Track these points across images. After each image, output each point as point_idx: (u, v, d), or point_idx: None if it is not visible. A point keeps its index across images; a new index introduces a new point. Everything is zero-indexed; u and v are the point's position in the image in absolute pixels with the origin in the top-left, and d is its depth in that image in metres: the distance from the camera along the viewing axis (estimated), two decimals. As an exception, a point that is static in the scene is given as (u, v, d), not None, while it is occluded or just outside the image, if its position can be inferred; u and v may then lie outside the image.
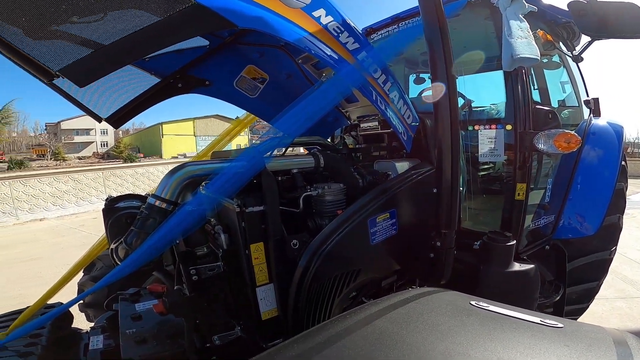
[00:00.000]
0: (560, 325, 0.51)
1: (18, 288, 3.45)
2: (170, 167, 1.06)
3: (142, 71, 1.33)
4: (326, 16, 0.91)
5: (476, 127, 1.59)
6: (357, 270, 1.05)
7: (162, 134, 32.06)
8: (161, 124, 32.60)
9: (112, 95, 1.36)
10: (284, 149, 1.36)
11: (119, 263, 0.85)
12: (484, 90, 2.04)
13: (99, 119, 1.38)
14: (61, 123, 44.32)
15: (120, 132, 47.68)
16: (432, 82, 1.13)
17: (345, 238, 1.01)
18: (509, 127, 1.48)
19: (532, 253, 1.73)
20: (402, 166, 1.36)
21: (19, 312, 1.27)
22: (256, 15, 0.79)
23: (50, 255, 4.91)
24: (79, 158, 35.69)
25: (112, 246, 0.86)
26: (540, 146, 1.31)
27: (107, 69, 0.70)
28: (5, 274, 3.97)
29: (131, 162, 16.38)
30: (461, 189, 1.54)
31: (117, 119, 1.42)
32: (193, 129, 34.12)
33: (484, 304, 0.58)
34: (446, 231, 1.20)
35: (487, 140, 1.57)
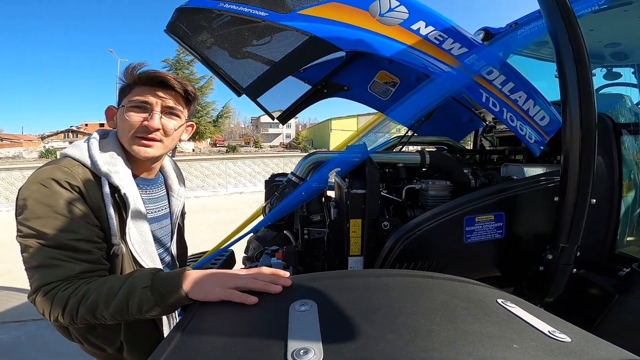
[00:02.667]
0: (568, 339, 0.50)
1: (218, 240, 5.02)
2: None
3: (299, 80, 1.76)
4: (426, 27, 1.01)
5: (651, 131, 1.28)
6: (444, 264, 1.13)
7: (331, 129, 36.08)
8: (330, 119, 36.63)
9: (283, 100, 1.87)
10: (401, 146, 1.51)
11: (265, 216, 1.27)
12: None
13: (272, 117, 1.93)
14: (261, 117, 56.36)
15: (300, 126, 56.41)
16: (559, 81, 1.04)
17: (435, 229, 1.10)
18: None
19: None
20: (531, 171, 1.28)
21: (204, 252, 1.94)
22: (357, 38, 1.00)
23: (242, 219, 6.65)
24: (270, 146, 44.45)
25: (264, 205, 1.29)
26: None
27: (268, 86, 1.10)
28: (212, 231, 5.73)
29: (306, 151, 19.39)
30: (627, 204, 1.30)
31: (283, 118, 1.94)
32: (357, 124, 36.77)
33: (510, 303, 0.62)
34: (564, 245, 1.09)
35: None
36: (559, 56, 1.02)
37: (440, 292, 0.62)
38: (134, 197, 0.94)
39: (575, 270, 1.14)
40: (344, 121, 36.58)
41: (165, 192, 1.17)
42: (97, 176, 0.89)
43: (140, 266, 0.94)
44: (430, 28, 1.05)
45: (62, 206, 0.81)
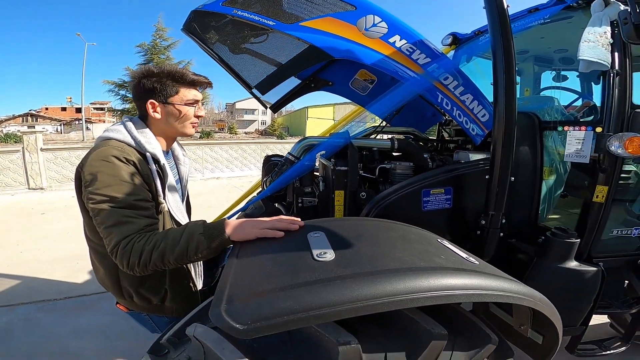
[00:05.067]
0: (476, 262, 0.82)
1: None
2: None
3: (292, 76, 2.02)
4: (400, 40, 1.29)
5: (565, 128, 1.67)
6: (407, 227, 1.47)
7: (307, 117, 36.16)
8: (307, 107, 36.66)
9: (276, 92, 2.12)
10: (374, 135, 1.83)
11: (265, 189, 1.55)
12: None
13: (265, 107, 2.17)
14: (236, 103, 55.14)
15: (275, 113, 55.80)
16: (493, 87, 1.38)
17: (401, 199, 1.43)
18: (599, 129, 1.52)
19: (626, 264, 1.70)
20: (475, 156, 1.64)
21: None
22: (346, 49, 1.28)
23: (220, 204, 6.76)
24: (245, 133, 43.80)
25: (264, 179, 1.57)
26: (612, 148, 1.36)
27: (275, 84, 1.38)
28: (193, 214, 5.85)
29: (281, 139, 19.47)
30: (548, 187, 1.68)
31: (275, 107, 2.19)
32: (333, 113, 37.08)
33: (445, 241, 0.95)
34: (493, 212, 1.45)
35: (575, 142, 1.64)
36: (495, 65, 1.35)
37: (400, 230, 0.94)
38: (169, 167, 1.20)
39: (508, 238, 1.50)
40: (320, 109, 36.70)
41: (174, 163, 1.40)
42: (140, 152, 1.13)
43: (176, 221, 1.21)
44: (404, 41, 1.33)
45: (124, 175, 1.03)
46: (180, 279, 1.26)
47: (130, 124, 1.17)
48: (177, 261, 0.97)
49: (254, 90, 1.80)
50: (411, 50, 1.36)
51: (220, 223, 0.98)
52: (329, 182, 1.47)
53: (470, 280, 0.68)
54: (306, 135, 2.02)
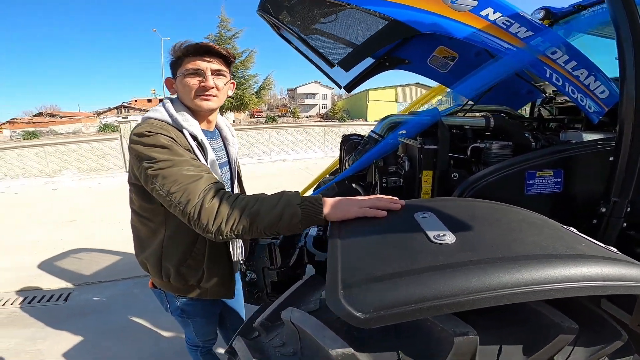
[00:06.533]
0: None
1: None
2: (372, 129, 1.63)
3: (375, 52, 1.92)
4: (494, 13, 1.14)
5: None
6: (506, 211, 1.32)
7: (368, 100, 35.29)
8: (367, 90, 35.72)
9: (350, 72, 2.05)
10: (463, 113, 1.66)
11: (346, 168, 1.52)
12: None
13: (339, 87, 2.12)
14: (297, 89, 56.15)
15: (336, 97, 55.62)
16: (619, 62, 1.15)
17: (500, 180, 1.28)
18: None
19: None
20: (589, 137, 1.41)
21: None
22: (433, 22, 1.16)
23: (287, 186, 7.01)
24: (307, 117, 44.52)
25: (346, 159, 1.53)
26: None
27: (358, 61, 1.31)
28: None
29: (343, 122, 19.36)
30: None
31: (349, 87, 2.13)
32: (395, 95, 35.62)
33: (572, 229, 0.81)
34: (616, 199, 1.23)
35: None
36: (619, 40, 1.13)
37: (518, 213, 0.84)
38: (209, 145, 1.18)
39: (627, 230, 1.27)
40: (382, 92, 35.53)
41: (222, 144, 1.37)
42: (178, 130, 1.12)
43: None
44: (498, 14, 1.17)
45: (170, 144, 1.03)
46: (219, 260, 1.25)
47: (169, 104, 1.17)
48: (265, 229, 0.90)
49: (333, 69, 1.75)
50: (508, 24, 1.19)
51: (317, 198, 0.91)
52: (415, 161, 1.37)
53: (629, 270, 0.57)
54: (367, 119, 1.93)
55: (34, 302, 3.03)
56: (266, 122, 23.69)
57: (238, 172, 1.49)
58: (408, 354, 0.58)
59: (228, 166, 1.38)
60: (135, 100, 54.01)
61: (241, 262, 1.44)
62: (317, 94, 55.27)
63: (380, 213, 0.84)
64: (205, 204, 0.92)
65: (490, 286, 0.52)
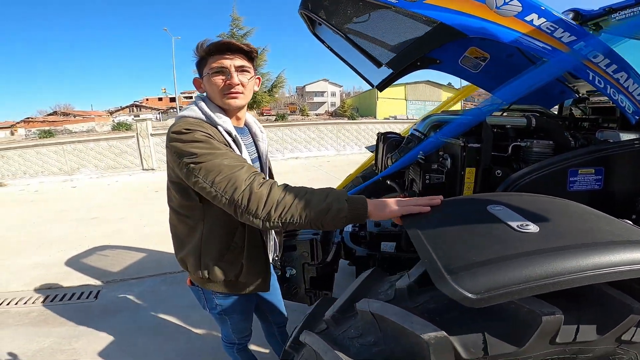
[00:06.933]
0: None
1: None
2: (383, 127, 1.68)
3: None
4: (539, 19, 1.19)
5: None
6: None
7: (377, 97, 35.14)
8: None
9: (381, 71, 2.10)
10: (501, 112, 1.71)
11: (387, 167, 1.58)
12: None
13: (372, 86, 2.17)
14: (306, 86, 56.16)
15: (344, 94, 55.55)
16: None
17: (543, 177, 1.33)
18: None
19: None
20: (626, 136, 1.45)
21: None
22: (480, 26, 1.20)
23: (301, 183, 7.05)
24: (316, 115, 44.55)
25: (387, 156, 1.59)
26: None
27: (405, 63, 1.37)
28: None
29: (352, 119, 19.38)
30: None
31: (381, 86, 2.18)
32: (404, 93, 35.41)
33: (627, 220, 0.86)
34: (659, 195, 1.26)
35: None
36: None
37: (576, 206, 0.90)
38: (242, 140, 1.21)
39: None
40: (391, 89, 35.25)
41: (252, 140, 1.38)
42: (213, 127, 1.13)
43: None
44: (543, 19, 1.21)
45: (208, 138, 1.05)
46: (256, 253, 1.29)
47: (201, 102, 1.19)
48: (312, 220, 0.91)
49: (364, 69, 1.80)
50: (552, 29, 1.23)
51: (362, 197, 0.96)
52: (457, 159, 1.42)
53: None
54: (377, 117, 1.98)
55: (65, 299, 3.05)
56: (276, 120, 23.81)
57: (269, 167, 1.51)
58: (493, 335, 0.64)
59: (259, 162, 1.39)
60: (147, 99, 54.73)
61: (276, 257, 1.48)
62: (325, 91, 55.26)
63: (424, 209, 0.89)
64: (255, 190, 0.94)
65: (588, 267, 0.59)
